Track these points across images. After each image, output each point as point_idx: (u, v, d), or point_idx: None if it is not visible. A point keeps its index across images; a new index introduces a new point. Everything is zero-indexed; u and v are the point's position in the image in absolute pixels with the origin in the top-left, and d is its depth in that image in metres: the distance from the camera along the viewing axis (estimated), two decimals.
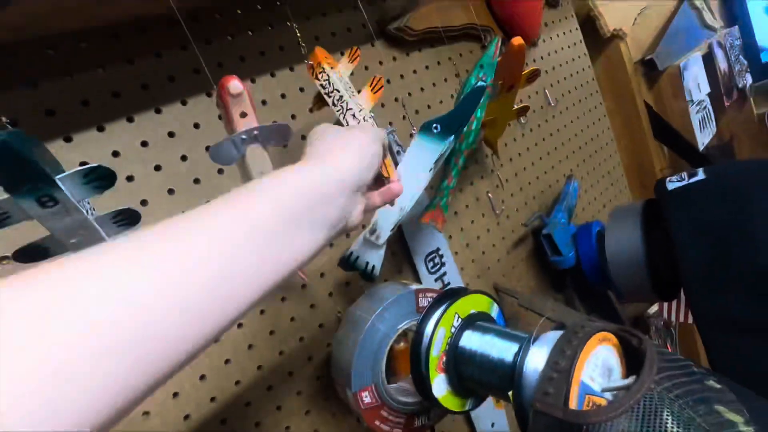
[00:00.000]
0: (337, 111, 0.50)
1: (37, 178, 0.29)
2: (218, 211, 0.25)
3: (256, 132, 0.39)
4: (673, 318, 1.07)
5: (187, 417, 0.51)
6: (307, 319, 0.61)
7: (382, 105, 0.70)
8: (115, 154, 0.48)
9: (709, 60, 1.36)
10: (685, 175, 0.64)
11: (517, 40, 0.56)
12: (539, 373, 0.34)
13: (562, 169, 0.98)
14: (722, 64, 1.44)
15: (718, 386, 0.35)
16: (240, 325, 0.55)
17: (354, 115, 0.49)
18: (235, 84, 0.37)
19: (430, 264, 0.72)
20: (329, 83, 0.50)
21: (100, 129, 0.48)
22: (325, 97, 0.50)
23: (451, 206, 0.77)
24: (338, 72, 0.51)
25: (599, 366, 0.33)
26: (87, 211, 0.33)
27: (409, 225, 0.69)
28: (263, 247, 0.26)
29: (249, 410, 0.56)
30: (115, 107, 0.49)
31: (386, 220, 0.56)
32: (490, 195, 0.83)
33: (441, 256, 0.74)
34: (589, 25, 1.07)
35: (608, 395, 0.33)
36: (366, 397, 0.52)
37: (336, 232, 0.33)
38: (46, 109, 0.45)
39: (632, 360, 0.35)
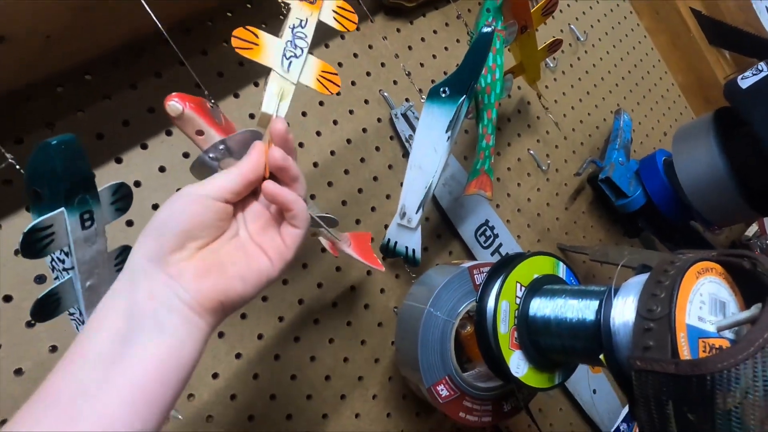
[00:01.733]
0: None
1: (89, 185, 0.29)
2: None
3: (221, 147, 0.34)
4: None
5: None
6: (363, 321, 0.57)
7: (395, 82, 0.65)
8: (137, 184, 0.47)
9: None
10: (763, 65, 0.55)
11: None
12: (631, 327, 0.28)
13: (607, 105, 0.89)
14: None
15: None
16: (297, 339, 0.53)
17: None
18: (172, 105, 0.31)
19: (482, 238, 0.67)
20: (301, 24, 0.35)
21: (118, 161, 0.47)
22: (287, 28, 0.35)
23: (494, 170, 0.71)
24: (309, 10, 0.36)
25: (707, 302, 0.27)
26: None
27: (447, 202, 0.64)
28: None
29: (328, 422, 0.53)
30: (128, 136, 0.48)
31: (412, 200, 0.51)
32: (532, 152, 0.76)
33: (492, 228, 0.68)
34: None
35: (728, 334, 0.26)
36: (443, 391, 0.48)
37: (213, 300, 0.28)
38: None
39: (748, 287, 0.29)
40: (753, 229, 0.98)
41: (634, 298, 0.30)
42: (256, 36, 0.33)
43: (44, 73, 0.44)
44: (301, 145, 0.57)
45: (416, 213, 0.51)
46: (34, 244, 0.28)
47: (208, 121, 0.33)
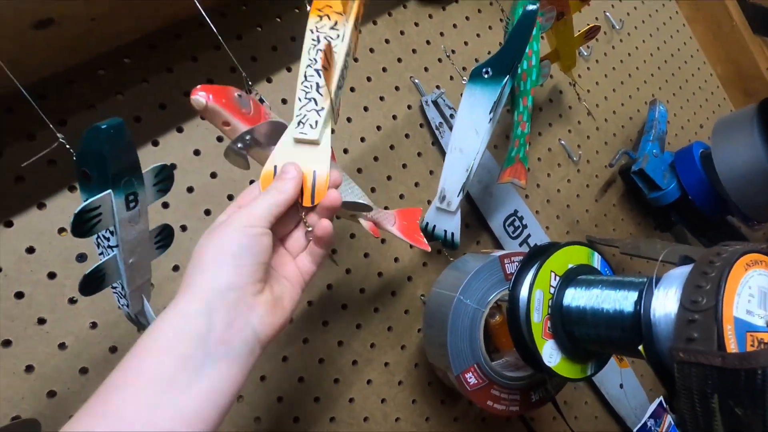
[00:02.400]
0: (303, 88, 0.34)
1: (135, 168, 0.30)
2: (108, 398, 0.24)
3: (247, 138, 0.34)
4: None
5: (296, 419, 0.50)
6: (391, 308, 0.58)
7: (426, 69, 0.65)
8: (173, 166, 0.48)
9: None
10: None
11: None
12: (674, 318, 0.28)
13: (642, 96, 0.87)
14: None
15: None
16: (325, 323, 0.53)
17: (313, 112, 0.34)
18: (195, 100, 0.31)
19: (510, 228, 0.66)
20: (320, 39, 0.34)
21: (155, 143, 0.48)
22: (305, 54, 0.34)
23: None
24: (332, 21, 0.34)
25: (755, 295, 0.26)
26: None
27: (476, 191, 0.64)
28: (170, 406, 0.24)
29: (354, 406, 0.54)
30: (164, 119, 0.48)
31: (453, 183, 0.51)
32: (563, 142, 0.75)
33: (521, 218, 0.67)
34: None
35: None
36: (471, 379, 0.48)
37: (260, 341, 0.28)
38: None
39: None
40: None
41: (677, 289, 0.29)
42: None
43: (86, 56, 0.45)
44: (332, 131, 0.57)
45: (457, 196, 0.51)
46: (83, 224, 0.29)
47: (234, 113, 0.33)
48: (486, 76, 0.46)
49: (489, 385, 0.48)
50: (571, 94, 0.76)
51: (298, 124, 0.33)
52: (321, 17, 0.34)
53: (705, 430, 0.25)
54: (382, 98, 0.61)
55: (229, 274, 0.28)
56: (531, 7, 0.42)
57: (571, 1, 0.58)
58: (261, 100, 0.38)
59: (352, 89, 0.59)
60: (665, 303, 0.30)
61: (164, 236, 0.35)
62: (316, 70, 0.34)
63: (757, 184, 0.60)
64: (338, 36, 0.34)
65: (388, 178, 0.60)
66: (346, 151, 0.58)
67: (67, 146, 0.32)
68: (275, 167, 0.33)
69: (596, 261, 0.43)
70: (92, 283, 0.31)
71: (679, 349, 0.26)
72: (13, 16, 0.32)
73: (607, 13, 0.84)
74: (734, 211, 0.67)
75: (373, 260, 0.57)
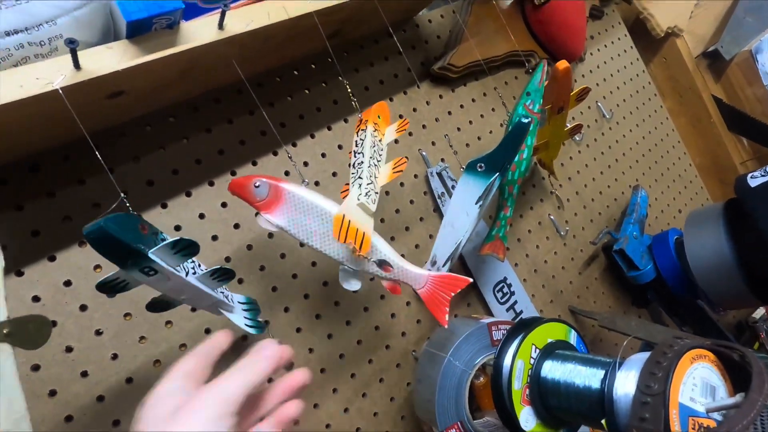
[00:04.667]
0: (351, 174, 0.46)
1: (134, 256, 0.33)
2: None
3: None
4: None
5: None
6: (384, 360, 0.62)
7: (433, 143, 0.72)
8: (201, 216, 0.53)
9: None
10: None
11: (562, 64, 0.56)
12: (631, 398, 0.33)
13: (626, 180, 0.94)
14: None
15: None
16: (323, 371, 0.57)
17: (360, 186, 0.44)
18: (228, 188, 0.45)
19: (499, 294, 0.72)
20: (361, 143, 0.47)
21: (188, 194, 0.53)
22: (351, 154, 0.48)
23: (512, 234, 0.76)
24: (380, 136, 0.48)
25: (698, 385, 0.32)
26: (189, 272, 0.37)
27: (472, 257, 0.69)
28: None
29: None
30: (198, 173, 0.54)
31: (443, 253, 0.57)
32: (552, 217, 0.82)
33: (509, 285, 0.73)
34: (640, 28, 1.04)
35: (716, 416, 0.31)
36: None
37: None
38: (146, 180, 0.51)
39: (737, 376, 0.33)
40: (760, 312, 1.01)
41: (635, 372, 0.35)
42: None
43: (137, 114, 0.52)
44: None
45: (443, 266, 0.57)
46: (109, 291, 0.34)
47: (248, 199, 0.44)
48: (480, 169, 0.52)
49: None
50: (564, 171, 0.84)
51: (366, 194, 0.44)
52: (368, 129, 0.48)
53: None
54: None
55: None
56: (524, 120, 0.49)
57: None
58: (304, 181, 0.47)
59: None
60: (626, 383, 0.35)
61: (220, 274, 0.39)
62: (375, 165, 0.46)
63: (722, 276, 0.66)
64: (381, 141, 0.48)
65: (392, 238, 0.66)
66: None
67: (127, 204, 0.37)
68: (343, 216, 0.42)
69: (572, 338, 0.48)
70: (155, 307, 0.38)
71: (634, 426, 0.31)
72: (95, 90, 0.39)
73: (599, 103, 0.93)
74: (703, 296, 0.73)
75: (372, 314, 0.62)
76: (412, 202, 0.69)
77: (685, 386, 0.31)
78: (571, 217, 0.85)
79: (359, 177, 0.44)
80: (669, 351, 0.33)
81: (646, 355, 0.36)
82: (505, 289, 0.72)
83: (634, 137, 0.98)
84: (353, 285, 0.47)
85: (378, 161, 0.46)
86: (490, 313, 0.71)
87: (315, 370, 0.57)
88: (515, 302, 0.72)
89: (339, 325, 0.60)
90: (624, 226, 0.81)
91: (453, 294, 0.47)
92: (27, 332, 0.32)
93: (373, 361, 0.61)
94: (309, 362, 0.57)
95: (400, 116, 0.70)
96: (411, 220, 0.68)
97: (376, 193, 0.45)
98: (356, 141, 0.48)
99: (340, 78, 0.65)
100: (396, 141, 0.68)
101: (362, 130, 0.48)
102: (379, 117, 0.49)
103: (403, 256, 0.67)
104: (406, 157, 0.47)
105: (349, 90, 0.55)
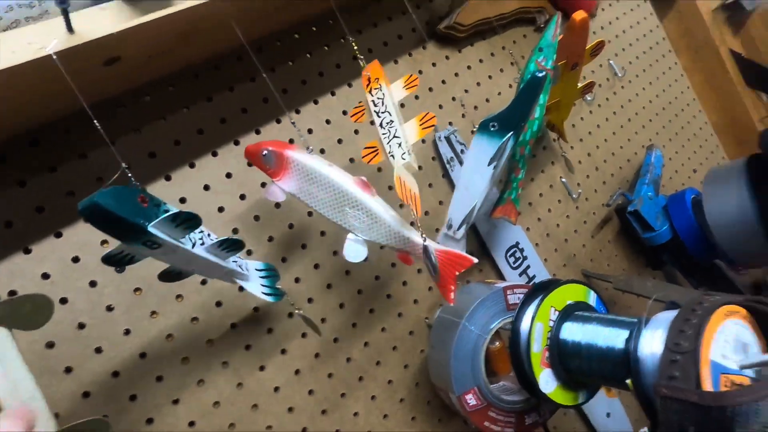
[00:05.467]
0: (383, 134, 0.46)
1: (132, 230, 0.32)
2: None
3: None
4: None
5: (304, 430, 0.54)
6: (397, 328, 0.61)
7: (440, 106, 0.70)
8: (206, 187, 0.52)
9: None
10: None
11: (579, 15, 0.53)
12: (659, 357, 0.32)
13: (640, 140, 0.92)
14: None
15: None
16: (336, 340, 0.57)
17: (400, 145, 0.45)
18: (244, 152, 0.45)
19: (512, 259, 0.71)
20: (383, 102, 0.46)
21: (192, 166, 0.52)
22: (374, 115, 0.47)
23: (523, 198, 0.74)
24: (390, 94, 0.48)
25: (731, 342, 0.31)
26: (197, 243, 0.35)
27: (483, 223, 0.68)
28: None
29: (358, 420, 0.57)
30: (201, 144, 0.53)
31: (457, 216, 0.55)
32: (564, 180, 0.80)
33: (521, 250, 0.71)
34: None
35: (750, 372, 0.30)
36: (471, 400, 0.51)
37: None
38: (148, 152, 0.50)
39: None
40: None
41: (663, 331, 0.34)
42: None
43: (136, 84, 0.50)
44: (351, 160, 0.62)
45: (459, 228, 0.56)
46: (115, 263, 0.33)
47: (259, 166, 0.45)
48: (492, 129, 0.50)
49: (487, 407, 0.52)
50: (572, 136, 0.81)
51: (409, 152, 0.46)
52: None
53: None
54: None
55: None
56: (538, 74, 0.47)
57: None
58: (309, 149, 0.46)
59: (372, 122, 0.63)
60: (652, 343, 0.34)
61: (228, 245, 0.38)
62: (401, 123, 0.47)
63: (743, 233, 0.64)
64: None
65: (401, 206, 0.64)
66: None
67: (129, 175, 0.36)
68: (399, 177, 0.46)
69: (592, 299, 0.47)
70: (166, 278, 0.38)
71: (662, 386, 0.30)
72: (91, 55, 0.37)
73: (611, 61, 0.89)
74: (721, 255, 0.71)
75: (384, 282, 0.61)
76: (420, 168, 0.66)
77: (717, 343, 0.30)
78: (583, 179, 0.83)
79: (395, 136, 0.45)
80: (698, 308, 0.32)
81: (672, 314, 0.35)
82: (518, 254, 0.71)
83: (648, 96, 0.95)
84: (359, 254, 0.46)
85: (401, 119, 0.47)
86: (502, 278, 0.70)
87: (328, 339, 0.57)
88: (528, 267, 0.71)
89: (351, 295, 0.59)
90: (638, 187, 0.79)
91: (458, 273, 0.46)
92: (23, 313, 0.31)
93: (386, 330, 0.61)
94: (322, 332, 0.56)
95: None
96: (419, 186, 0.66)
97: (411, 154, 0.47)
98: (373, 101, 0.47)
99: (343, 40, 0.62)
100: (402, 105, 0.66)
101: (376, 88, 0.46)
102: (383, 74, 0.48)
103: (412, 224, 0.66)
104: (432, 113, 0.47)
105: (355, 47, 0.53)
